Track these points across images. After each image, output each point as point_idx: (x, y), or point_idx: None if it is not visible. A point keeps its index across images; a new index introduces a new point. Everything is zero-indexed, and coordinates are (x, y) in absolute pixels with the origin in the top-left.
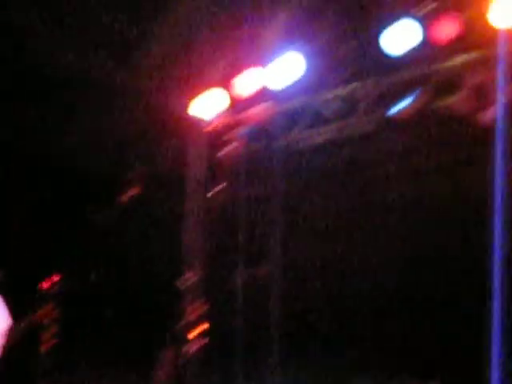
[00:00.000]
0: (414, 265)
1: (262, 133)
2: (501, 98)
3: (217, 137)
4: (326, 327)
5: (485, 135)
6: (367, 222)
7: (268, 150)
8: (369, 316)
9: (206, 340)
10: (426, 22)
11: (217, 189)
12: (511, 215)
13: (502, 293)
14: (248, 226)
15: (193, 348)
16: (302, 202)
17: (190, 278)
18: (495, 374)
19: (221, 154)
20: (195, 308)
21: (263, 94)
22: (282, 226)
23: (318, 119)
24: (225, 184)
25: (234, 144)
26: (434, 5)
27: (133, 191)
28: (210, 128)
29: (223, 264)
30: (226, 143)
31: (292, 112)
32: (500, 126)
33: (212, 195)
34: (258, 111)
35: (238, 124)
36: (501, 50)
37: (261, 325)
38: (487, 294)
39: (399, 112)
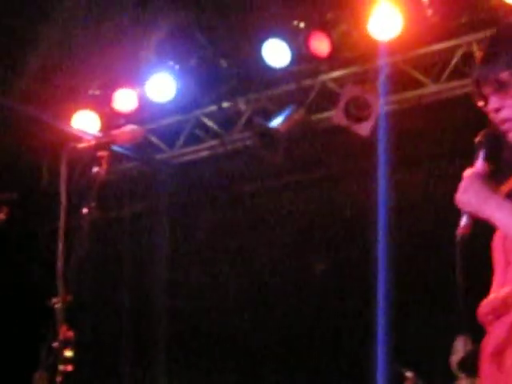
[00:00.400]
0: (292, 278)
1: (142, 149)
2: (382, 110)
3: (92, 154)
4: (211, 339)
5: (363, 148)
6: (250, 237)
7: (149, 165)
8: (255, 328)
9: (71, 368)
10: (301, 37)
11: (90, 207)
12: (393, 226)
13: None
14: (132, 243)
15: (67, 369)
16: (187, 217)
17: (60, 299)
18: None
19: (96, 171)
20: (64, 331)
21: (142, 111)
22: (167, 241)
23: (200, 134)
24: (98, 202)
25: (107, 161)
26: (306, 21)
27: (2, 213)
28: (85, 145)
29: (107, 282)
30: (101, 160)
31: (172, 128)
32: (381, 137)
33: (87, 213)
34: (136, 128)
35: (115, 141)
36: (381, 61)
37: (147, 341)
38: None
39: (278, 125)
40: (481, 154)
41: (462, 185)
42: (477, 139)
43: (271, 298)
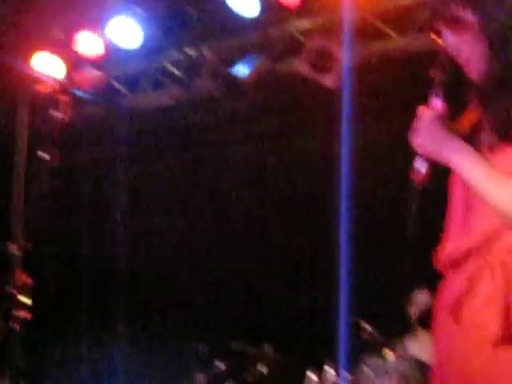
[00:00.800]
0: (253, 225)
1: (103, 95)
2: (347, 62)
3: (51, 99)
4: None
5: (327, 99)
6: (212, 185)
7: (111, 111)
8: (209, 289)
9: (29, 315)
10: None
11: (49, 151)
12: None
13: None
14: (92, 189)
15: (24, 316)
16: (147, 164)
17: (16, 245)
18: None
19: (56, 115)
20: (20, 277)
21: (106, 56)
22: (126, 190)
23: (165, 80)
24: (57, 147)
25: (69, 105)
26: None
27: None
28: (45, 88)
29: (66, 229)
30: (61, 105)
31: (136, 73)
32: (346, 89)
33: (45, 158)
34: (98, 73)
35: (77, 85)
36: (348, 14)
37: (106, 298)
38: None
39: (242, 75)
40: (437, 93)
41: (419, 126)
42: (432, 76)
43: (232, 246)
